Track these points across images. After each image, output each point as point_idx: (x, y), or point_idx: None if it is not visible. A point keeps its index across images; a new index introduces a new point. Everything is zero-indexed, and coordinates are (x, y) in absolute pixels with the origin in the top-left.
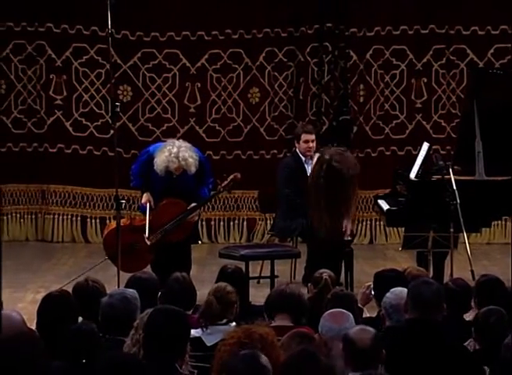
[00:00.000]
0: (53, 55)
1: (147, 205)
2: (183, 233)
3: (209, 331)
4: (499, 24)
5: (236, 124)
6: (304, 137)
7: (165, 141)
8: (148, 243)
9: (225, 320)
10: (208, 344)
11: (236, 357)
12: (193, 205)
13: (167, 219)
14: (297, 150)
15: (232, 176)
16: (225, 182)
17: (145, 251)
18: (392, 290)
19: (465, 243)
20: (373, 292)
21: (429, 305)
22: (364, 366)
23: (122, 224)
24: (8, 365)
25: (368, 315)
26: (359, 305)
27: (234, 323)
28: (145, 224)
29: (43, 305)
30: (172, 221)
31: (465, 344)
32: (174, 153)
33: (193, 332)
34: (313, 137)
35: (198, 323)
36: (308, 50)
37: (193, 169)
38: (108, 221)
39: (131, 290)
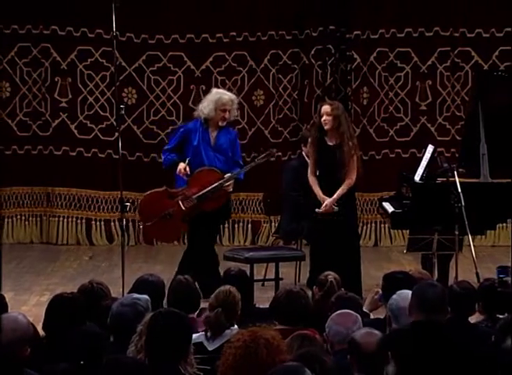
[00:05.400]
0: (58, 58)
1: (184, 171)
2: (217, 202)
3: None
4: (504, 26)
5: (240, 127)
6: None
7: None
8: (183, 208)
9: (227, 324)
10: (210, 349)
11: (281, 368)
12: (228, 174)
13: (202, 187)
14: (303, 153)
15: (268, 151)
16: (262, 155)
17: (179, 219)
18: (399, 292)
19: (470, 245)
20: (381, 300)
21: (433, 307)
22: (370, 369)
23: (158, 191)
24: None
25: (373, 316)
26: (364, 309)
27: (236, 326)
28: (180, 191)
29: (53, 306)
30: (207, 188)
31: None
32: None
33: (195, 337)
34: None
35: (204, 326)
36: (313, 52)
37: (232, 116)
38: (112, 224)
39: (144, 297)
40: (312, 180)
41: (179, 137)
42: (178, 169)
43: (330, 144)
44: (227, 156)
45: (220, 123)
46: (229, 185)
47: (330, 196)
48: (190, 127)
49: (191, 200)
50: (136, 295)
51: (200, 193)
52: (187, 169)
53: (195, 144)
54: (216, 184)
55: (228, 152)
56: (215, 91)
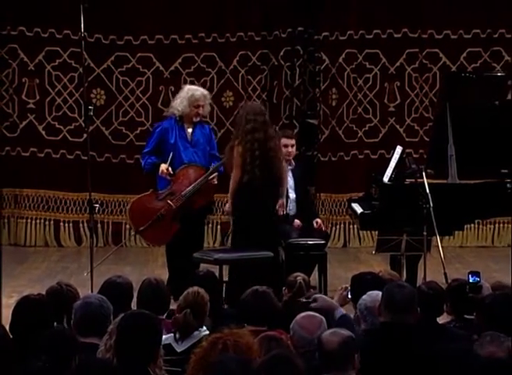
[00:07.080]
0: (25, 59)
1: (167, 171)
2: (205, 197)
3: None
4: (472, 28)
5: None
6: (283, 141)
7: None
8: (173, 206)
9: (196, 325)
10: (179, 351)
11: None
12: (211, 168)
13: (188, 183)
14: None
15: None
16: None
17: (169, 220)
18: (368, 293)
19: (438, 246)
20: (350, 295)
21: (401, 308)
22: (331, 368)
23: (145, 195)
24: None
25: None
26: None
27: (205, 327)
28: (167, 191)
29: (19, 308)
30: (193, 184)
31: None
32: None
33: (163, 338)
34: (293, 141)
35: (172, 327)
36: (282, 54)
37: (206, 111)
38: (81, 225)
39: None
40: None
41: (157, 138)
42: (160, 171)
43: None
44: (205, 151)
45: (194, 119)
46: (213, 178)
47: None
48: (166, 126)
49: (180, 198)
50: (92, 293)
51: (188, 189)
52: (169, 169)
53: (172, 142)
54: (201, 179)
55: (205, 147)
56: (187, 87)
